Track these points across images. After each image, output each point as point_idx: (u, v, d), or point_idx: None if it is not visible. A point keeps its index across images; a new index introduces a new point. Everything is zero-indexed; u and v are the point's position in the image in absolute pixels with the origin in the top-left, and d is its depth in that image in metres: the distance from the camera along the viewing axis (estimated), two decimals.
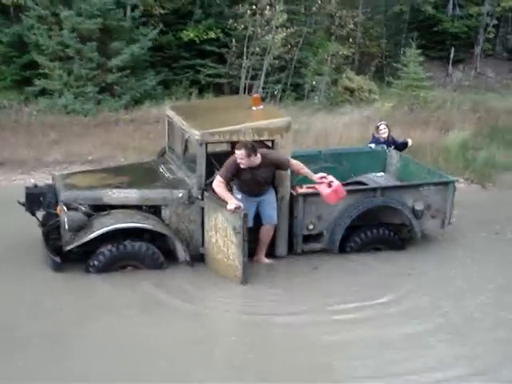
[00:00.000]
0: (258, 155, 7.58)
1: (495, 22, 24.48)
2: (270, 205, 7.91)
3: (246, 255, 7.45)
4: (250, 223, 7.66)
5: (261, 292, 7.57)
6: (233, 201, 7.35)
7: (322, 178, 7.75)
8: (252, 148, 7.50)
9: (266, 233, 8.00)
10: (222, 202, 7.46)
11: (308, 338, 6.63)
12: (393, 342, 6.59)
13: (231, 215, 7.36)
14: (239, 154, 7.48)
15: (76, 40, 15.79)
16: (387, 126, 10.52)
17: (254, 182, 7.74)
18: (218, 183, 7.56)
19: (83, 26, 15.82)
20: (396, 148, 10.23)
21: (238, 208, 7.29)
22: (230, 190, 7.79)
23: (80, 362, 6.05)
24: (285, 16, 18.05)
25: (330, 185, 7.70)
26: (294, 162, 7.86)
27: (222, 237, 7.62)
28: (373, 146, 10.31)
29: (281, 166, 7.85)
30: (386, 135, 10.32)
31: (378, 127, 10.50)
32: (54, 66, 15.98)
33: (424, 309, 7.34)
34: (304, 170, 7.90)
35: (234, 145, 8.04)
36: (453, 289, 7.86)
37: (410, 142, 10.56)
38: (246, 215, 7.32)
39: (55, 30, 16.16)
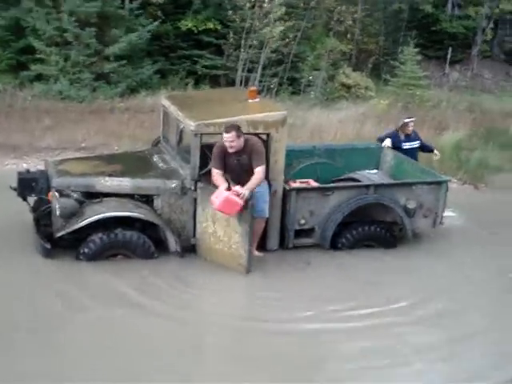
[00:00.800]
0: (242, 138, 7.56)
1: (493, 24, 24.50)
2: (261, 198, 7.87)
3: (250, 244, 7.52)
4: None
5: (254, 283, 7.60)
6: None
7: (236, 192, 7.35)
8: (239, 129, 7.51)
9: (257, 226, 7.98)
10: (212, 193, 7.47)
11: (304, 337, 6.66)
12: (393, 340, 6.67)
13: None
14: (229, 136, 7.44)
15: (74, 25, 15.70)
16: (414, 121, 10.18)
17: (240, 169, 7.66)
18: (215, 175, 7.57)
19: (81, 9, 15.73)
20: (421, 149, 10.13)
21: (239, 194, 7.26)
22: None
23: (68, 354, 6.00)
24: (283, 9, 18.01)
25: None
26: (261, 170, 7.53)
27: (223, 226, 7.62)
28: (388, 142, 9.96)
29: (254, 156, 7.58)
30: (410, 131, 10.02)
31: (406, 123, 9.94)
32: (50, 51, 15.89)
33: (417, 305, 7.40)
34: (250, 182, 7.47)
35: None
36: (446, 284, 7.96)
37: (437, 154, 10.41)
38: (252, 205, 7.34)
39: (53, 13, 16.06)
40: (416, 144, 10.05)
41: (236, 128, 7.48)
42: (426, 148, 10.28)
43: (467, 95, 20.76)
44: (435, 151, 10.36)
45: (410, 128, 9.98)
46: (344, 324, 6.86)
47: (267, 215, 7.99)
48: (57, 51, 15.95)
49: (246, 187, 7.37)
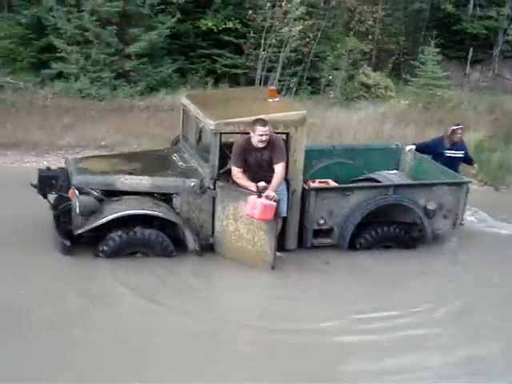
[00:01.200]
0: None
1: None
2: (279, 197, 7.86)
3: (276, 241, 7.60)
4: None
5: (272, 282, 7.64)
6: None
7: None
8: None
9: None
10: (244, 190, 7.54)
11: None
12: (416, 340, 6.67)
13: None
14: (265, 130, 7.47)
15: (95, 24, 15.77)
16: (462, 128, 9.86)
17: (260, 165, 7.68)
18: (237, 174, 7.60)
19: (103, 9, 15.78)
20: (464, 159, 9.77)
21: (264, 188, 7.33)
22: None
23: (84, 351, 6.04)
24: (303, 8, 17.96)
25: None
26: (281, 168, 7.62)
27: (246, 224, 7.64)
28: (451, 153, 9.57)
29: (276, 152, 7.62)
30: (457, 139, 9.64)
31: (454, 130, 9.58)
32: (71, 49, 15.97)
33: (437, 307, 7.39)
34: (273, 182, 7.54)
35: None
36: (465, 286, 7.96)
37: (476, 168, 10.26)
38: (277, 201, 7.38)
39: (74, 12, 16.15)
40: (460, 154, 9.69)
41: (267, 122, 7.50)
42: (467, 160, 9.91)
43: (488, 96, 20.56)
44: (475, 165, 10.08)
45: (458, 135, 9.63)
46: (363, 326, 6.84)
47: (285, 214, 7.99)
48: (77, 50, 16.02)
49: (271, 188, 7.42)
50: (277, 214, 7.47)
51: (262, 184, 7.42)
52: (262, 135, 7.48)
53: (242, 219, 7.68)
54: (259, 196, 7.33)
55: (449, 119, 15.55)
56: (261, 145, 7.53)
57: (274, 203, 7.34)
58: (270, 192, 7.37)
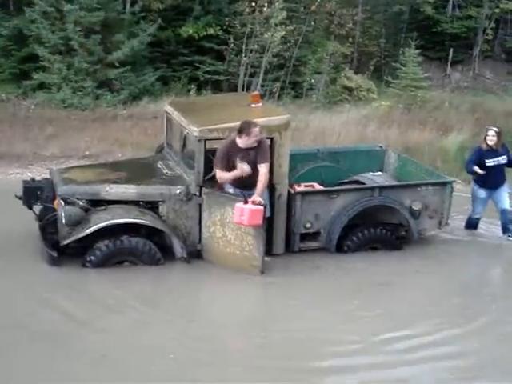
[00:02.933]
0: None
1: (494, 23, 24.50)
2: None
3: (264, 245, 7.58)
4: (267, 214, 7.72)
5: (262, 288, 7.65)
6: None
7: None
8: None
9: None
10: (230, 195, 7.56)
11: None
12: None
13: None
14: (257, 131, 7.50)
15: (79, 34, 15.74)
16: (499, 132, 9.15)
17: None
18: (220, 174, 7.64)
19: (86, 20, 15.78)
20: (508, 164, 9.30)
21: (257, 203, 7.33)
22: (222, 188, 7.79)
23: (77, 362, 5.96)
24: (284, 14, 18.03)
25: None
26: (266, 169, 7.59)
27: (234, 230, 7.63)
28: (491, 161, 9.09)
29: (261, 152, 7.62)
30: (492, 143, 9.08)
31: (485, 136, 9.17)
32: (54, 58, 15.94)
33: (430, 306, 7.42)
34: (258, 186, 7.51)
35: None
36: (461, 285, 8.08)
37: None
38: (265, 206, 7.38)
39: (58, 25, 16.11)
40: (502, 159, 9.22)
41: (257, 124, 7.56)
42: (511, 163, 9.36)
43: (469, 96, 20.77)
44: None
45: (492, 138, 9.06)
46: (356, 329, 6.84)
47: (268, 214, 7.91)
48: (60, 59, 16.00)
49: (257, 193, 7.43)
50: (265, 218, 7.48)
51: (253, 198, 7.36)
52: (256, 136, 7.53)
53: (230, 225, 7.66)
54: (245, 202, 7.33)
55: (431, 120, 15.75)
56: (255, 144, 7.56)
57: (261, 207, 7.35)
58: (256, 197, 7.37)
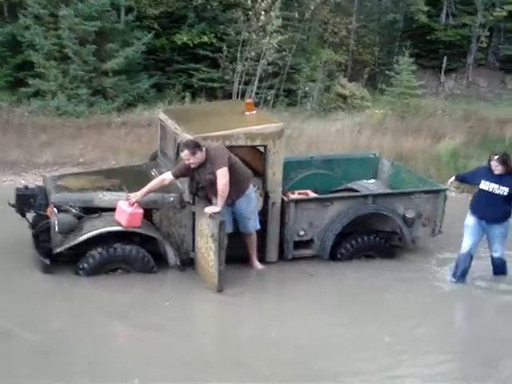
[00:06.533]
0: (200, 152, 7.41)
1: (488, 32, 24.59)
2: (241, 214, 7.77)
3: (223, 263, 7.31)
4: (229, 229, 7.56)
5: (256, 296, 7.62)
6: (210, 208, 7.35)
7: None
8: (194, 144, 7.38)
9: (247, 241, 8.01)
10: (203, 204, 7.51)
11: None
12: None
13: (211, 222, 7.28)
14: (184, 155, 7.36)
15: (74, 41, 15.72)
16: (503, 159, 7.80)
17: (209, 185, 7.53)
18: (163, 176, 7.66)
19: (80, 27, 15.75)
20: (508, 198, 7.81)
21: (215, 213, 7.21)
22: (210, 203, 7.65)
23: (70, 370, 5.96)
24: (279, 21, 18.07)
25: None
26: (222, 175, 7.28)
27: (204, 243, 7.59)
28: (486, 184, 7.84)
29: (212, 162, 7.36)
30: (498, 172, 7.79)
31: (488, 159, 8.00)
32: (49, 65, 15.90)
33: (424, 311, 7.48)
34: (218, 196, 7.34)
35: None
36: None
37: None
38: (222, 222, 7.20)
39: (51, 31, 16.09)
40: (502, 191, 7.79)
41: (189, 145, 7.37)
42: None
43: (463, 103, 20.81)
44: None
45: (495, 165, 7.79)
46: (349, 337, 6.83)
47: (251, 230, 7.89)
48: (55, 65, 15.96)
49: (218, 203, 7.30)
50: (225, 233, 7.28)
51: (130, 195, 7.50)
52: (187, 159, 7.39)
53: (202, 237, 7.58)
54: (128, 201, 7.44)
55: (425, 127, 15.78)
56: (192, 166, 7.42)
57: (140, 211, 7.43)
58: (132, 195, 7.43)
